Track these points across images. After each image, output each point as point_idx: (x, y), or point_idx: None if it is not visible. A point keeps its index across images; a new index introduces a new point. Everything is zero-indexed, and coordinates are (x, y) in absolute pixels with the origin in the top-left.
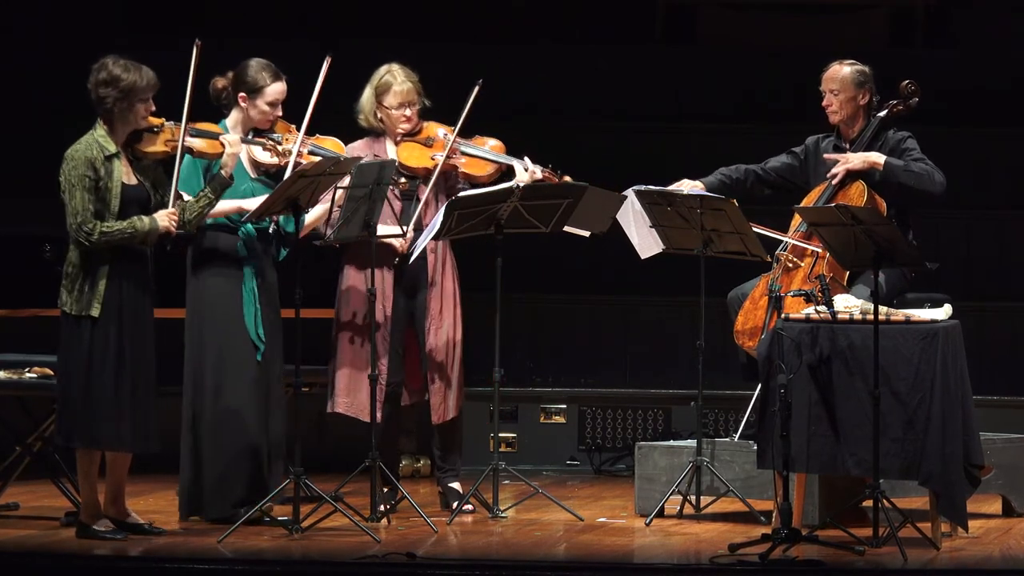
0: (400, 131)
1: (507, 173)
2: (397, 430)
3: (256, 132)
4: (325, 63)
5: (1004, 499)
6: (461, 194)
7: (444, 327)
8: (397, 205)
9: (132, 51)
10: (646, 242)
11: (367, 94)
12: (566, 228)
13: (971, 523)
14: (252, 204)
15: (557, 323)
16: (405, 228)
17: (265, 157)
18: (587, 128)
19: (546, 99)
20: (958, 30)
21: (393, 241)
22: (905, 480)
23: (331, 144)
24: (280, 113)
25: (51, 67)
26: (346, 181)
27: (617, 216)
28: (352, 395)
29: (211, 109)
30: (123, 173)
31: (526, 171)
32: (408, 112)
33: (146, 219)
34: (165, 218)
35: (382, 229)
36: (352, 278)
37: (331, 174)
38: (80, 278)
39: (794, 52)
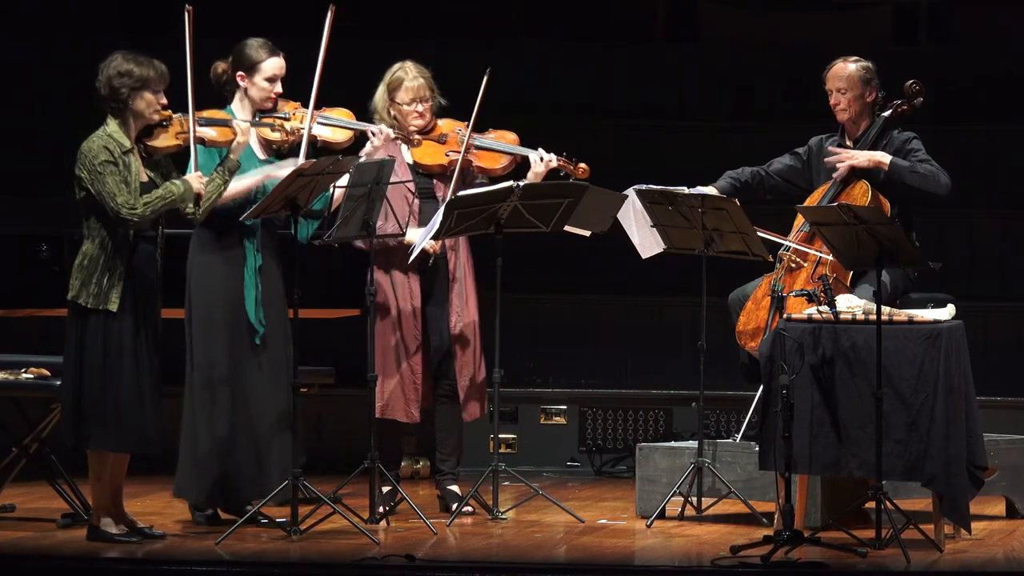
0: (413, 127)
1: (523, 164)
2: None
3: (262, 114)
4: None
5: (1008, 501)
6: (461, 193)
7: (470, 324)
8: (416, 205)
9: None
10: (647, 242)
11: (380, 92)
12: (566, 228)
13: (974, 525)
14: (283, 171)
15: (557, 323)
16: (405, 230)
17: (274, 136)
18: (587, 127)
19: (546, 97)
20: (961, 27)
21: (425, 244)
22: (908, 481)
23: (342, 113)
24: (280, 90)
25: (50, 67)
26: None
27: (618, 215)
28: (385, 397)
29: (212, 95)
30: (138, 169)
31: (541, 160)
32: (420, 108)
33: (178, 182)
34: (196, 180)
35: (410, 233)
36: (381, 280)
37: (330, 173)
38: (97, 271)
39: (796, 49)
